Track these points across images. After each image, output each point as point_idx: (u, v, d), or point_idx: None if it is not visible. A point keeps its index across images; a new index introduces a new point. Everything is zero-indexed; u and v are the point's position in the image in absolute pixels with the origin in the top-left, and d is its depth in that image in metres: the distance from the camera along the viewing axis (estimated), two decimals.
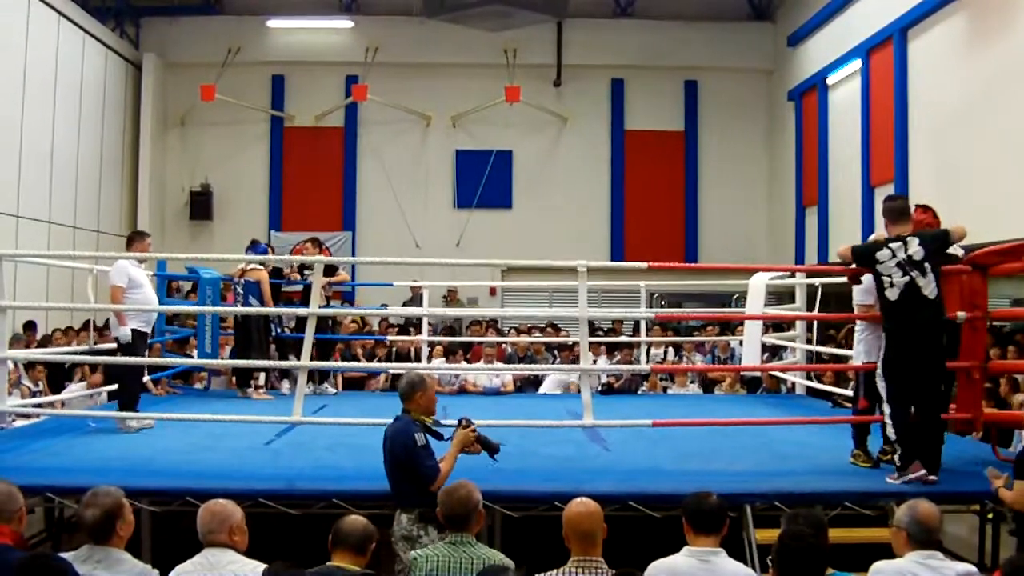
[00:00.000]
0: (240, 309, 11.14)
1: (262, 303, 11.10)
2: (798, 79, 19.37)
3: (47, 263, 13.17)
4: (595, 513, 4.40)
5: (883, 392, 6.93)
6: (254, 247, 12.14)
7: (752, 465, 7.47)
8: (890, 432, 6.90)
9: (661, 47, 20.65)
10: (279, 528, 6.58)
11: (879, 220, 15.09)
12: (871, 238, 7.87)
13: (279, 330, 11.76)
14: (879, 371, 6.95)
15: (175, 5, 20.70)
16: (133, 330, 8.72)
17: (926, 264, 6.73)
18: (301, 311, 10.10)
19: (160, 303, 10.46)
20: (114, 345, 9.10)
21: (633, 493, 6.44)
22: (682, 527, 4.62)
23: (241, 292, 11.28)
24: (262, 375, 11.65)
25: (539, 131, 21.15)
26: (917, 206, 7.52)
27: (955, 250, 7.39)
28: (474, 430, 5.96)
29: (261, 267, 11.35)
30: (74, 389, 10.88)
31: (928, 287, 6.72)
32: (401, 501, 5.69)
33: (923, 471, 6.61)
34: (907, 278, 6.74)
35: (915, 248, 6.75)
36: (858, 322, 7.75)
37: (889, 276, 6.80)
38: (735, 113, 21.34)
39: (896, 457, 6.86)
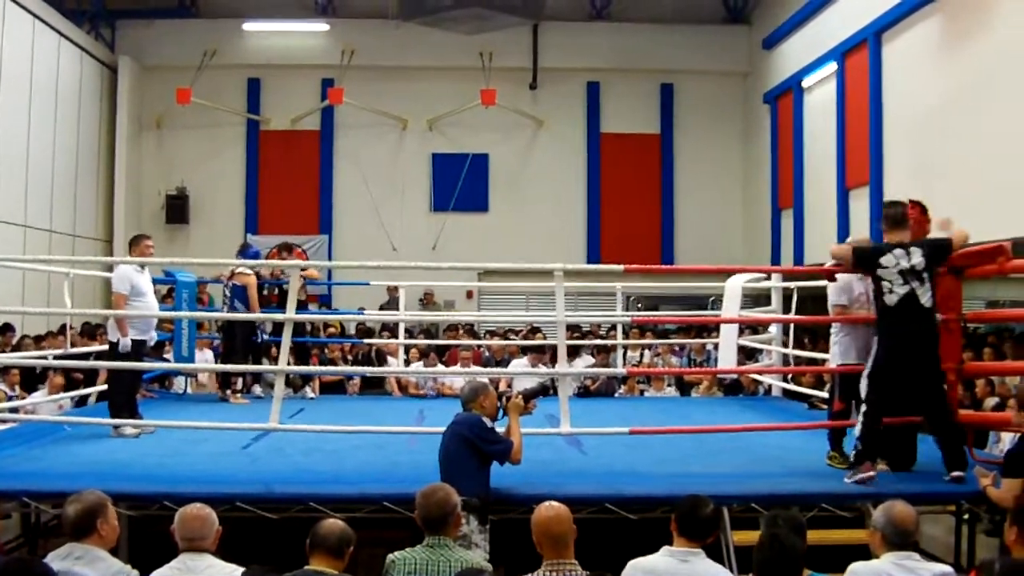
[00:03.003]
0: (227, 315, 11.06)
1: (247, 307, 11.03)
2: (774, 82, 19.45)
3: (23, 267, 13.07)
4: (564, 516, 4.40)
5: (863, 393, 6.95)
6: (244, 251, 12.01)
7: (729, 467, 7.48)
8: (856, 430, 6.93)
9: (637, 50, 20.68)
10: (257, 532, 6.56)
11: (855, 222, 15.13)
12: (850, 240, 7.90)
13: (264, 335, 11.66)
14: (866, 373, 6.97)
15: (151, 8, 20.54)
16: (132, 340, 8.60)
17: (925, 274, 6.79)
18: (279, 316, 10.02)
19: None
20: (94, 348, 8.96)
21: (610, 495, 6.47)
22: (659, 528, 4.63)
23: (228, 296, 11.20)
24: (240, 379, 11.55)
25: (515, 134, 21.15)
26: (909, 201, 7.50)
27: None
28: (518, 395, 6.44)
29: (250, 272, 11.24)
30: (38, 396, 10.69)
31: (925, 296, 6.77)
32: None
33: (872, 473, 6.68)
34: (907, 287, 6.77)
35: (918, 259, 6.79)
36: (834, 323, 7.77)
37: (890, 283, 6.83)
38: (711, 116, 21.39)
39: (852, 454, 6.90)
